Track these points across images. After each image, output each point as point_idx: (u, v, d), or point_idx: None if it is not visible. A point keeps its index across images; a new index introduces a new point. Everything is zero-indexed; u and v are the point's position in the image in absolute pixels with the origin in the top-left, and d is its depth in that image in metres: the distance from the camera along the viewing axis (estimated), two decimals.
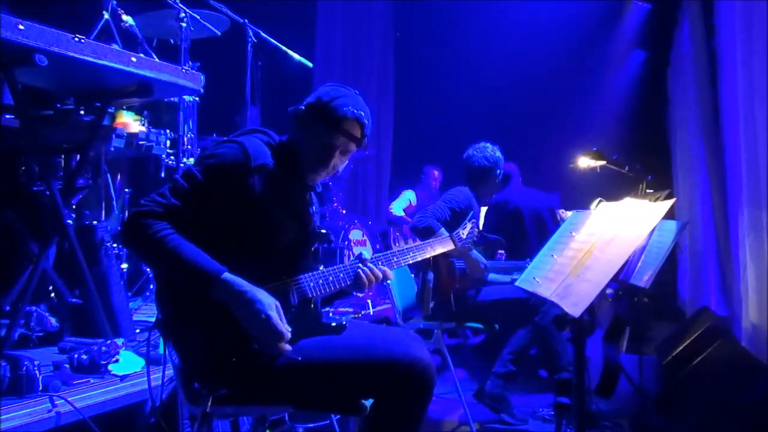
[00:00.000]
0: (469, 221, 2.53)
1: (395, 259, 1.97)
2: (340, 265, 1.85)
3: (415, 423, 1.75)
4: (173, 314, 1.70)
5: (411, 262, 2.03)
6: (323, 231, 1.89)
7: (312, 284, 1.78)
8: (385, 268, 1.88)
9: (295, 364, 1.67)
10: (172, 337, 1.72)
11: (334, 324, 1.84)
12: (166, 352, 1.77)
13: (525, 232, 4.11)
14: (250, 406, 1.79)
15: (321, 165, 1.84)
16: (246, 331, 1.61)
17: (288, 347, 1.62)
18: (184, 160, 3.59)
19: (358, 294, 1.96)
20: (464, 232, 2.48)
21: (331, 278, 1.81)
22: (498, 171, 3.49)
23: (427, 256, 2.12)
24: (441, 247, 2.25)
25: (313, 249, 1.87)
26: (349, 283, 1.84)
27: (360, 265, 1.85)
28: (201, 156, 1.80)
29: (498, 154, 3.51)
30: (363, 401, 1.77)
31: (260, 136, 1.84)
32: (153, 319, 3.19)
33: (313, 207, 1.96)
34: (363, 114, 1.84)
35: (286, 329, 1.61)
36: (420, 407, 1.74)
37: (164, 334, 1.74)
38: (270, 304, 1.60)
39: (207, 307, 1.62)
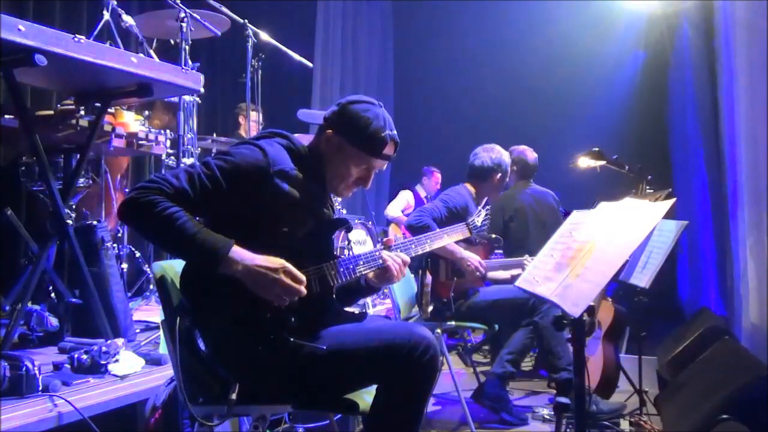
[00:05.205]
0: (483, 208, 2.57)
1: (413, 246, 2.00)
2: (361, 254, 1.87)
3: (422, 405, 1.77)
4: (203, 298, 1.68)
5: (428, 249, 2.05)
6: (342, 218, 1.91)
7: (333, 272, 1.79)
8: (403, 254, 1.91)
9: (319, 353, 1.68)
10: (199, 323, 1.69)
11: (355, 311, 1.86)
12: (176, 342, 1.71)
13: (526, 230, 4.10)
14: (250, 406, 1.79)
15: (359, 185, 1.92)
16: (264, 304, 1.63)
17: (303, 290, 1.64)
18: (184, 160, 3.59)
19: (388, 282, 1.96)
20: (479, 219, 2.56)
21: (351, 266, 1.83)
22: (500, 174, 3.46)
23: (443, 243, 2.19)
24: (456, 234, 2.34)
25: (332, 237, 1.88)
26: (373, 269, 1.86)
27: (383, 251, 1.88)
28: (222, 152, 1.79)
29: (505, 158, 3.48)
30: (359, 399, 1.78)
31: (279, 140, 1.84)
32: (153, 319, 3.20)
33: (331, 202, 1.98)
34: (396, 131, 1.90)
35: (300, 278, 1.63)
36: (426, 388, 1.76)
37: (190, 320, 1.70)
38: (275, 267, 1.61)
39: (237, 290, 1.62)
